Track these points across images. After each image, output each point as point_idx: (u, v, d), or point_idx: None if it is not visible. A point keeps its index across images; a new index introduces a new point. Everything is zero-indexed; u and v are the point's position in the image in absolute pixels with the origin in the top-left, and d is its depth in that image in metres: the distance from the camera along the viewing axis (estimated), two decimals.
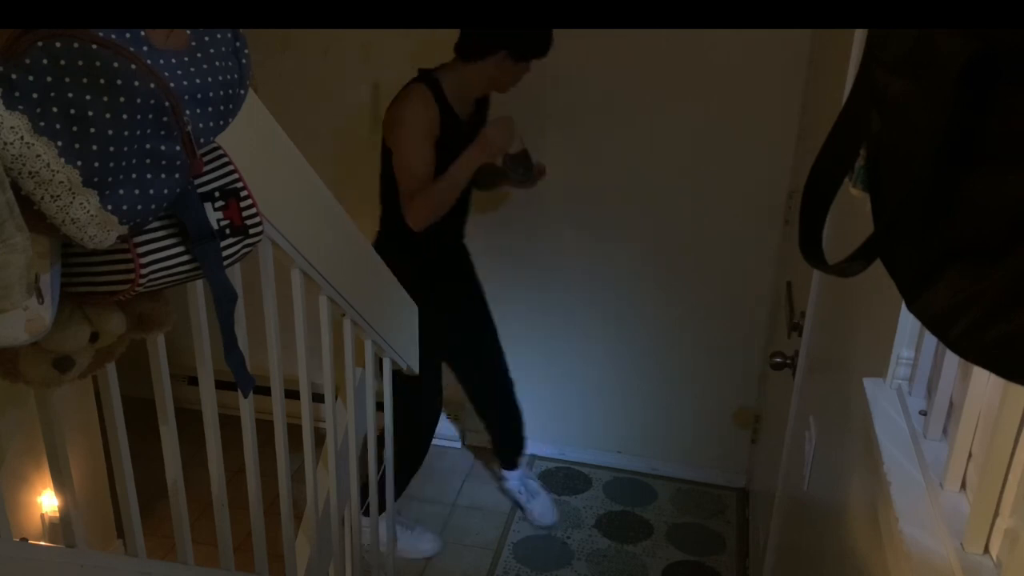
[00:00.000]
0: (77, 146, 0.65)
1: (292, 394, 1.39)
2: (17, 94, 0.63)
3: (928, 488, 0.89)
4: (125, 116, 0.67)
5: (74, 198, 0.66)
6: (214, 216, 0.87)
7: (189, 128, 0.73)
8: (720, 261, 2.77)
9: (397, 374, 2.02)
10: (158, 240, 0.82)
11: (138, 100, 0.68)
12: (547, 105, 2.71)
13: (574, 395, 3.07)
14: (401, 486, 2.60)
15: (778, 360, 1.93)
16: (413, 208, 2.24)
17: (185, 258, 0.85)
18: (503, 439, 2.89)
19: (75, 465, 1.14)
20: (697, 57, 2.54)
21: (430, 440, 2.68)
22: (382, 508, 2.52)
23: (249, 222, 0.91)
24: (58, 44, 0.64)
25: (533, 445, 3.18)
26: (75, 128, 0.65)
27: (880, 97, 0.51)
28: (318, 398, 1.56)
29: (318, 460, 1.63)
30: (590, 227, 2.82)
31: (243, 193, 0.90)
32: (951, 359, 0.94)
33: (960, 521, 0.81)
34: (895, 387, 1.09)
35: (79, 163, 0.66)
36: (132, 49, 0.69)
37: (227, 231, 0.88)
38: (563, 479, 3.06)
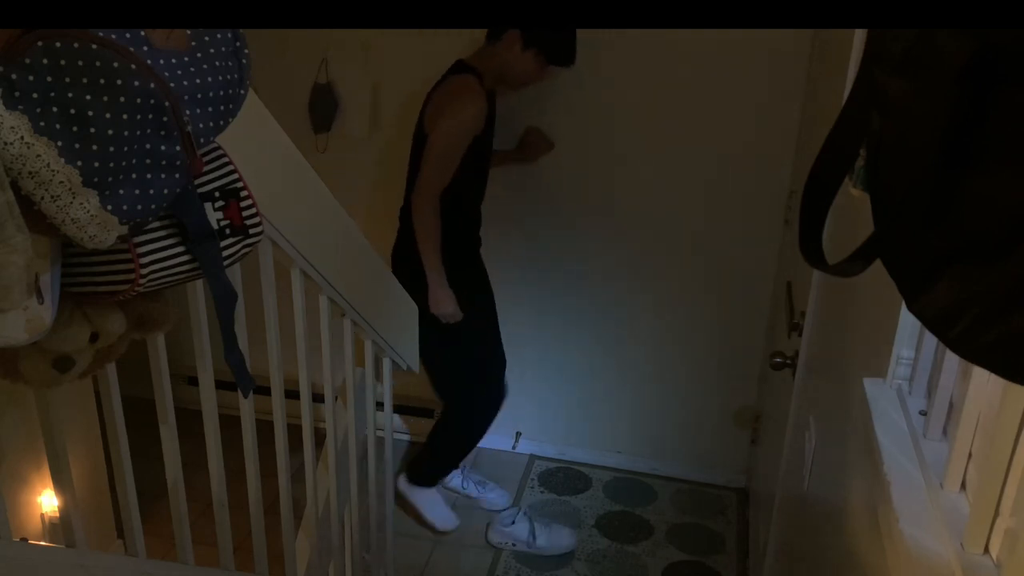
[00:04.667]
0: (77, 146, 0.65)
1: (292, 394, 1.39)
2: (17, 94, 0.63)
3: (928, 488, 0.89)
4: (125, 116, 0.67)
5: (74, 198, 0.66)
6: (214, 216, 0.87)
7: (189, 128, 0.73)
8: (720, 261, 2.77)
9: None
10: (158, 240, 0.82)
11: (138, 100, 0.68)
12: (548, 106, 2.71)
13: (574, 395, 3.07)
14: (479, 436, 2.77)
15: (778, 360, 1.93)
16: (418, 207, 2.33)
17: (185, 258, 0.85)
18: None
19: (75, 465, 1.14)
20: (697, 57, 2.54)
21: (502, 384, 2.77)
22: (423, 480, 2.73)
23: (249, 222, 0.91)
24: (58, 44, 0.64)
25: (533, 445, 3.18)
26: (75, 128, 0.65)
27: (880, 97, 0.51)
28: (318, 398, 1.56)
29: (318, 460, 1.63)
30: (591, 227, 2.82)
31: (243, 193, 0.90)
32: (951, 359, 0.94)
33: (960, 521, 0.81)
34: (895, 387, 1.09)
35: (79, 163, 0.66)
36: (132, 49, 0.69)
37: (227, 231, 0.88)
38: (563, 479, 3.06)
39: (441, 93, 2.36)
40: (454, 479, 2.86)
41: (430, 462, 2.76)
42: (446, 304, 2.40)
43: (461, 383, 2.65)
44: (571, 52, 2.39)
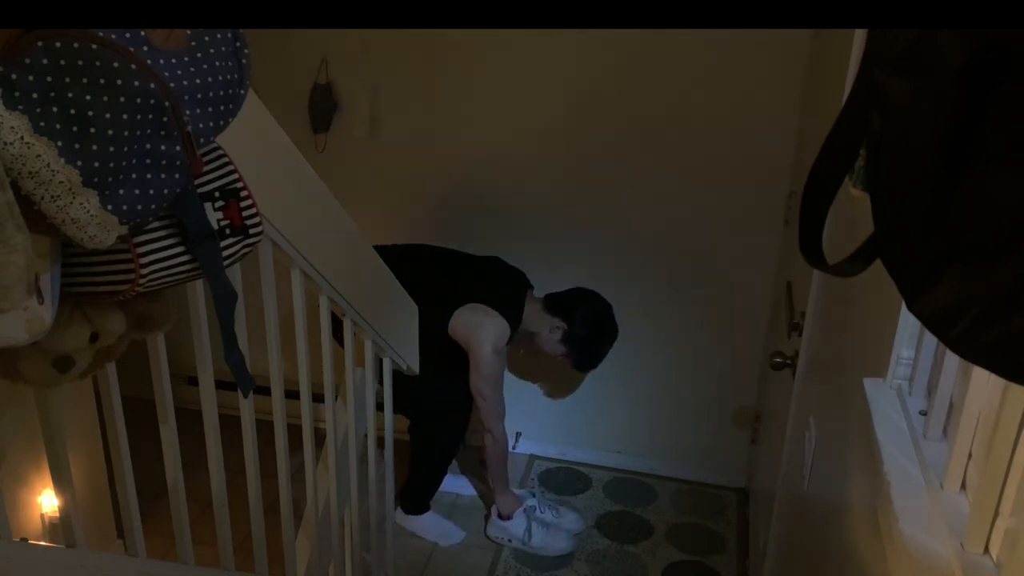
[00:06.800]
0: (77, 146, 0.65)
1: (292, 394, 1.39)
2: (17, 94, 0.63)
3: (928, 488, 0.89)
4: (125, 116, 0.67)
5: (74, 198, 0.66)
6: (214, 216, 0.87)
7: (189, 128, 0.73)
8: (720, 261, 2.77)
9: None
10: (158, 240, 0.82)
11: (138, 100, 0.68)
12: (548, 106, 2.71)
13: (574, 395, 3.07)
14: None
15: (778, 360, 1.93)
16: (496, 434, 2.60)
17: (185, 258, 0.85)
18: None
19: (75, 465, 1.14)
20: (697, 57, 2.54)
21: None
22: (417, 509, 2.79)
23: (249, 222, 0.91)
24: (58, 44, 0.64)
25: (533, 445, 3.18)
26: (75, 128, 0.65)
27: (880, 97, 0.51)
28: (318, 398, 1.56)
29: (318, 460, 1.63)
30: (590, 227, 2.82)
31: (243, 193, 0.90)
32: (951, 359, 0.94)
33: (960, 521, 0.81)
34: (895, 387, 1.09)
35: (79, 163, 0.66)
36: (132, 49, 0.69)
37: (227, 231, 0.88)
38: (563, 479, 3.06)
39: (470, 313, 2.49)
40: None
41: (416, 489, 2.79)
42: (512, 507, 2.71)
43: (429, 415, 2.70)
44: (595, 363, 2.70)
